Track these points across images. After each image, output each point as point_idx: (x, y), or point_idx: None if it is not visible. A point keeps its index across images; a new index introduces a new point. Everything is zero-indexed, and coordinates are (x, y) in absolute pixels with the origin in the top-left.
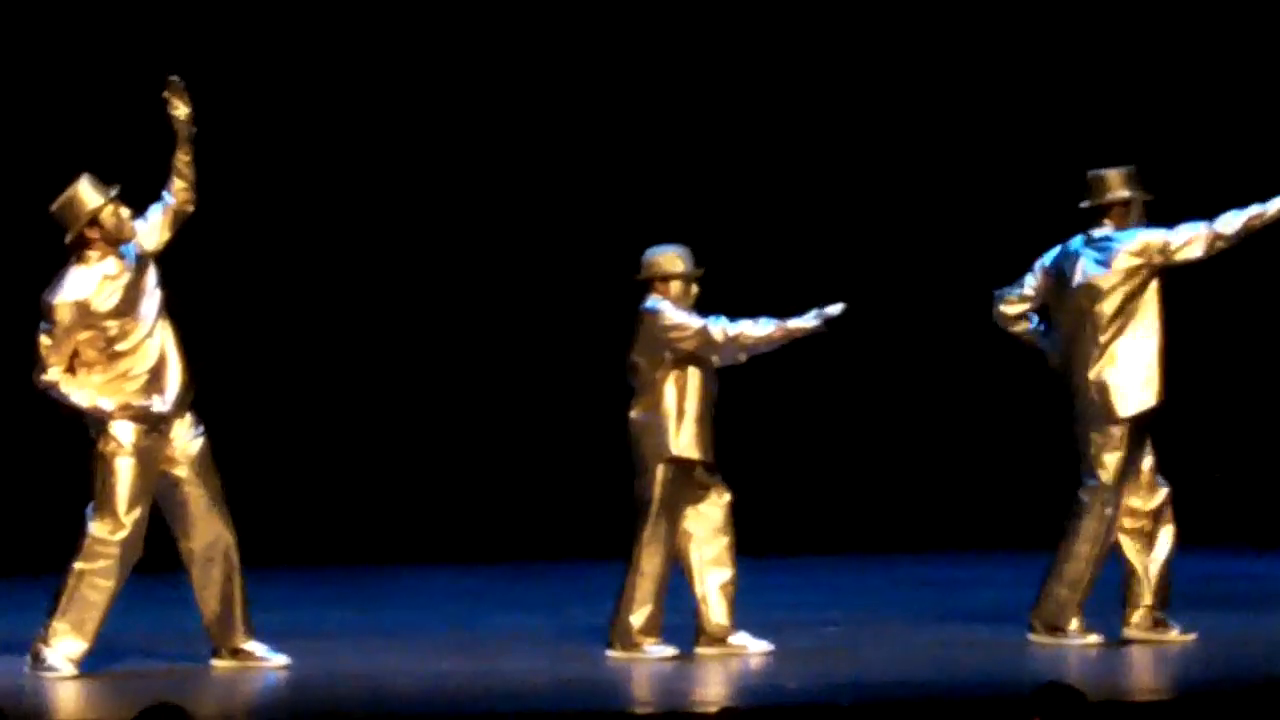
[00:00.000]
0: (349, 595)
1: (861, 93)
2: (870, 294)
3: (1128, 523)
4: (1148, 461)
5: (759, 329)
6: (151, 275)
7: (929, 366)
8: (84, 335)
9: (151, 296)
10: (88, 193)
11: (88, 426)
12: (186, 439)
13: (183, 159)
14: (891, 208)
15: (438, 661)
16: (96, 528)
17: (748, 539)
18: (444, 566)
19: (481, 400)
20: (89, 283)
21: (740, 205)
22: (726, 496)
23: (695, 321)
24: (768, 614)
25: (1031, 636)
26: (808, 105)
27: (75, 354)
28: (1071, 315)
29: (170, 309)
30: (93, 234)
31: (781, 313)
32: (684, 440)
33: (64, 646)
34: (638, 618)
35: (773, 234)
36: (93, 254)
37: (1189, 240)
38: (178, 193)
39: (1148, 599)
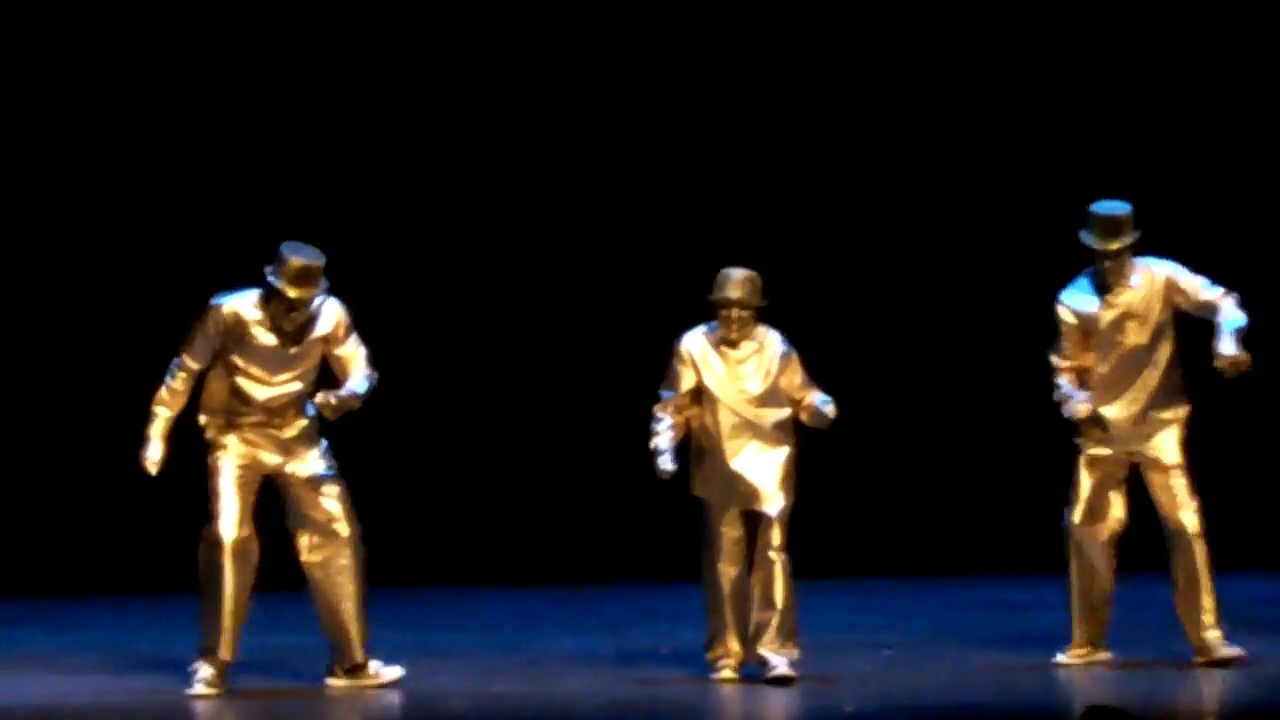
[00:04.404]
0: (405, 616)
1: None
2: (924, 323)
3: None
4: None
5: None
6: (313, 358)
7: (986, 391)
8: (222, 359)
9: (301, 374)
10: (293, 277)
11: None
12: (306, 462)
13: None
14: (954, 230)
15: (494, 683)
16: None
17: (806, 561)
18: (500, 587)
19: (540, 422)
20: (253, 313)
21: (784, 225)
22: (767, 514)
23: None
24: (825, 636)
25: None
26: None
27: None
28: None
29: None
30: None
31: (833, 334)
32: (697, 479)
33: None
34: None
35: (823, 255)
36: (275, 304)
37: None
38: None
39: None
